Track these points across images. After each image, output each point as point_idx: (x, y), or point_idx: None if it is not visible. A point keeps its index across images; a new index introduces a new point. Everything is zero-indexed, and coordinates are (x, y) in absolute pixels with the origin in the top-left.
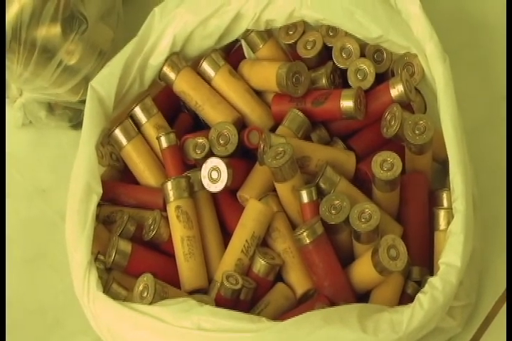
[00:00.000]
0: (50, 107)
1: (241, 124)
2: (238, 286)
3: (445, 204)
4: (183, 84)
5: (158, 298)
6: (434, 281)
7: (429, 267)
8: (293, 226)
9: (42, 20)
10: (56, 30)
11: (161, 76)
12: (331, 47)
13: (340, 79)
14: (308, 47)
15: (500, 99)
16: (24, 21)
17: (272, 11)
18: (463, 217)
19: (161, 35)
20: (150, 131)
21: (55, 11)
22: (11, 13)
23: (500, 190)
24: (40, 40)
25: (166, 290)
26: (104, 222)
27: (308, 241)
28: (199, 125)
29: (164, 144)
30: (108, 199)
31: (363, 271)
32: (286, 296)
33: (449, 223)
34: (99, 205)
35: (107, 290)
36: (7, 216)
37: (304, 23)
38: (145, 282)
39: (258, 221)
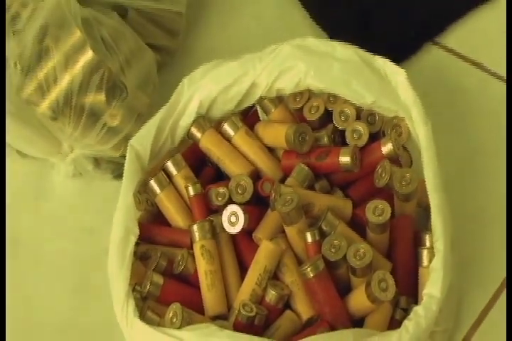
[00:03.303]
0: (96, 161)
1: (256, 176)
2: (253, 313)
3: (427, 244)
4: (208, 142)
5: (185, 323)
6: (418, 309)
7: (414, 297)
8: (299, 262)
9: (89, 89)
10: (101, 97)
11: (189, 135)
12: (332, 111)
13: (340, 138)
14: (313, 112)
15: (473, 153)
16: (74, 90)
17: (282, 81)
18: (442, 255)
19: (189, 100)
20: (179, 181)
21: (100, 81)
22: (63, 82)
23: (474, 231)
24: (88, 106)
25: (191, 317)
26: (140, 257)
27: (311, 275)
28: (221, 176)
29: (191, 192)
30: (144, 238)
31: (358, 300)
32: (293, 321)
33: (430, 261)
34: (136, 244)
35: (142, 316)
36: (59, 253)
37: (309, 91)
38: (174, 310)
39: (270, 258)
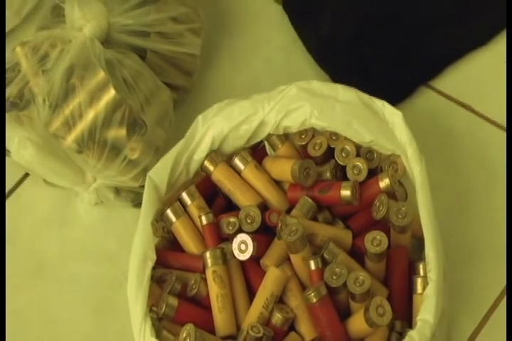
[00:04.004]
0: (117, 190)
1: (264, 207)
2: (260, 334)
3: (421, 273)
4: (220, 175)
5: None
6: (412, 334)
7: (408, 321)
8: (303, 287)
9: (111, 124)
10: (122, 132)
11: (202, 168)
12: (334, 148)
13: (341, 174)
14: (316, 148)
15: (464, 190)
16: (98, 125)
17: (289, 120)
18: (435, 284)
19: (203, 136)
20: (193, 211)
21: (122, 117)
22: (88, 118)
23: (464, 262)
24: (110, 140)
25: (204, 337)
26: (157, 281)
27: (315, 300)
28: (231, 207)
29: (204, 221)
30: (160, 263)
31: (357, 324)
32: None
33: (424, 288)
34: (153, 268)
35: (158, 335)
36: (82, 275)
37: (313, 130)
38: (188, 330)
39: (276, 283)
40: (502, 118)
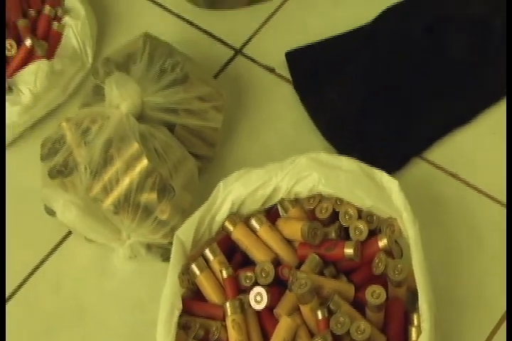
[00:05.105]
0: (148, 247)
1: (277, 262)
2: None
3: (415, 323)
4: (238, 234)
5: None
6: None
7: None
8: (311, 334)
9: (144, 189)
10: (154, 196)
11: (223, 228)
12: (338, 211)
13: (345, 234)
14: (323, 212)
15: (454, 249)
16: (132, 190)
17: (299, 187)
18: (427, 333)
19: (224, 200)
20: (215, 265)
21: (153, 183)
22: (123, 184)
23: (454, 312)
24: (143, 203)
25: None
26: (183, 327)
27: None
28: (248, 262)
29: (225, 275)
30: (186, 311)
31: None
32: None
33: (418, 337)
34: (179, 316)
35: None
36: (117, 321)
37: (320, 195)
38: None
39: (288, 330)
40: (485, 185)
